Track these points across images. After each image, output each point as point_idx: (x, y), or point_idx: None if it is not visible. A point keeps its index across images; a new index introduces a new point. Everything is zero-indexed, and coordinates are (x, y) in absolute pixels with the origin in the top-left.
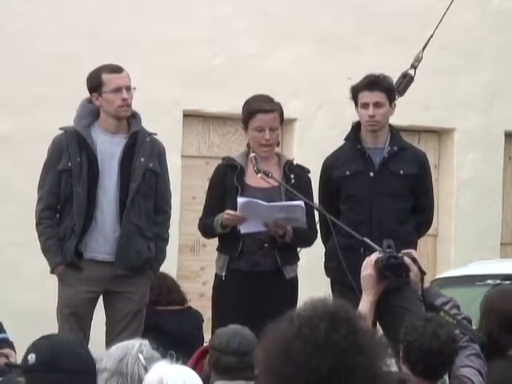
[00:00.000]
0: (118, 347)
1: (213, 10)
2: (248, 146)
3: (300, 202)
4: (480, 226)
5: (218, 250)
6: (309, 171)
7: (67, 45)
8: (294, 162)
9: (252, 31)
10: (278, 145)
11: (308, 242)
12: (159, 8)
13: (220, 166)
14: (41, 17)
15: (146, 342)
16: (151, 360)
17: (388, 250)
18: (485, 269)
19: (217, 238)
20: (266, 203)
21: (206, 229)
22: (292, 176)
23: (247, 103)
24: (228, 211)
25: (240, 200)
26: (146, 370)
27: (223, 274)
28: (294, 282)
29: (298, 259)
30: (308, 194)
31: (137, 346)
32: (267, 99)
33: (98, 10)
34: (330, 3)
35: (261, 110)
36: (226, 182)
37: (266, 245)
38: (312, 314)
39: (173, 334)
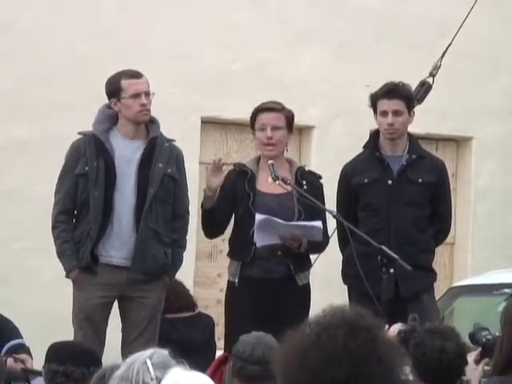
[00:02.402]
0: (134, 355)
1: (230, 15)
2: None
3: (318, 223)
4: (497, 235)
5: (229, 256)
6: (320, 177)
7: (85, 50)
8: (306, 169)
9: (270, 38)
10: (287, 149)
11: (321, 249)
12: (177, 14)
13: (231, 172)
14: (58, 23)
15: (162, 350)
16: (162, 367)
17: (412, 324)
18: (502, 278)
19: (226, 244)
20: (284, 222)
21: (201, 220)
22: (304, 182)
23: (254, 109)
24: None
25: (258, 217)
26: (151, 375)
27: (236, 280)
28: (306, 289)
29: (311, 266)
30: (320, 201)
31: (149, 352)
32: (273, 102)
33: (115, 15)
34: (348, 10)
35: (263, 108)
36: (236, 189)
37: (279, 252)
38: (331, 321)
39: (181, 342)
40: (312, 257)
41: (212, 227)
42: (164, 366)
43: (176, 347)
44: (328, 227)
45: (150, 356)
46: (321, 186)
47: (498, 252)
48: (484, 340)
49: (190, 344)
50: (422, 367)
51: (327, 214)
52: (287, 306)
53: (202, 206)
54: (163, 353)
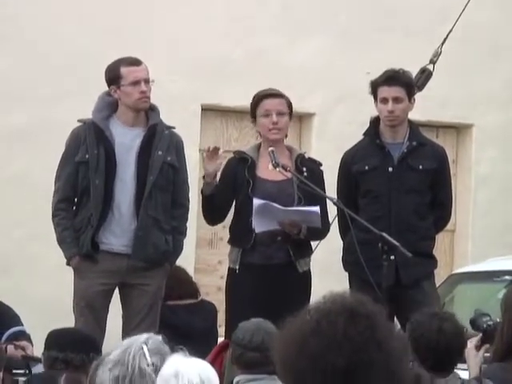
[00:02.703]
0: (128, 339)
1: (231, 3)
2: (258, 137)
3: (316, 209)
4: (497, 222)
5: (230, 243)
6: (321, 164)
7: (85, 38)
8: (306, 156)
9: (270, 25)
10: (286, 136)
11: (321, 236)
12: (178, 1)
13: (231, 159)
14: (59, 11)
15: (156, 336)
16: (157, 352)
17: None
18: (502, 265)
19: (228, 231)
20: (282, 207)
21: (202, 207)
22: (304, 169)
23: (253, 97)
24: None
25: (256, 202)
26: (148, 361)
27: (236, 267)
28: (307, 276)
29: (311, 252)
30: (320, 187)
31: (143, 338)
32: (272, 89)
33: (116, 4)
34: None
35: (266, 94)
36: (237, 176)
37: (279, 238)
38: (331, 308)
39: (182, 329)
40: (313, 244)
41: (212, 213)
42: (159, 352)
43: (178, 334)
44: (329, 214)
45: (145, 341)
46: (321, 172)
47: (498, 239)
48: (485, 326)
49: (191, 331)
50: (420, 349)
51: (328, 200)
52: (287, 293)
53: (201, 193)
54: (158, 338)
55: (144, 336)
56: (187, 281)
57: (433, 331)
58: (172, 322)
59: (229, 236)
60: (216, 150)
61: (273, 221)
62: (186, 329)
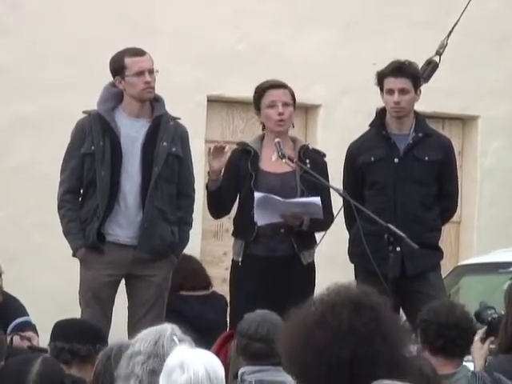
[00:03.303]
0: (151, 331)
1: None
2: (263, 129)
3: (317, 199)
4: (503, 214)
5: (233, 235)
6: (324, 155)
7: (92, 28)
8: (310, 147)
9: (276, 16)
10: (292, 126)
11: (324, 227)
12: None
13: (234, 151)
14: (64, 0)
15: (175, 326)
16: (183, 343)
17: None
18: (508, 256)
19: (232, 223)
20: (283, 199)
21: (207, 201)
22: (307, 160)
23: (256, 88)
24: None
25: (256, 195)
26: None
27: (239, 259)
28: (311, 267)
29: (315, 243)
30: (324, 178)
31: (169, 329)
32: (276, 80)
33: None
34: None
35: (271, 85)
36: (240, 168)
37: (282, 230)
38: (336, 299)
39: (194, 320)
40: (318, 235)
41: (218, 208)
42: (184, 342)
43: (188, 324)
44: (333, 205)
45: (173, 332)
46: (325, 163)
47: (503, 231)
48: (490, 319)
49: (202, 322)
50: (430, 332)
51: (333, 191)
52: (292, 285)
53: (206, 188)
54: (179, 329)
55: (168, 327)
56: (201, 272)
57: (442, 312)
58: (185, 312)
59: (233, 228)
60: (222, 147)
61: (275, 213)
62: (198, 320)
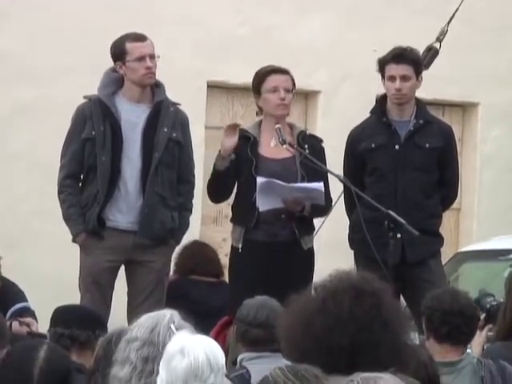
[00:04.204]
0: (149, 317)
1: None
2: (258, 113)
3: (320, 185)
4: (503, 201)
5: (232, 221)
6: (322, 140)
7: (92, 15)
8: (307, 132)
9: (277, 2)
10: (288, 114)
11: (324, 212)
12: None
13: None
14: None
15: (176, 312)
16: (182, 330)
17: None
18: (507, 243)
19: (230, 210)
20: (285, 184)
21: (209, 183)
22: (306, 146)
23: (257, 71)
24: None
25: (259, 180)
26: None
27: (239, 245)
28: (311, 253)
29: (314, 229)
30: (322, 164)
31: (168, 316)
32: (275, 65)
33: None
34: None
35: (274, 70)
36: (239, 154)
37: (283, 215)
38: (337, 286)
39: (199, 305)
40: (318, 221)
41: (220, 191)
42: (182, 330)
43: (193, 307)
44: (333, 191)
45: (171, 319)
46: (322, 149)
47: (503, 218)
48: (488, 306)
49: (206, 307)
50: (435, 316)
51: (331, 177)
52: (292, 270)
53: (214, 168)
54: (179, 315)
55: (167, 314)
56: (214, 260)
57: (446, 300)
58: (191, 295)
59: (231, 214)
60: (235, 125)
61: (277, 199)
62: (205, 305)
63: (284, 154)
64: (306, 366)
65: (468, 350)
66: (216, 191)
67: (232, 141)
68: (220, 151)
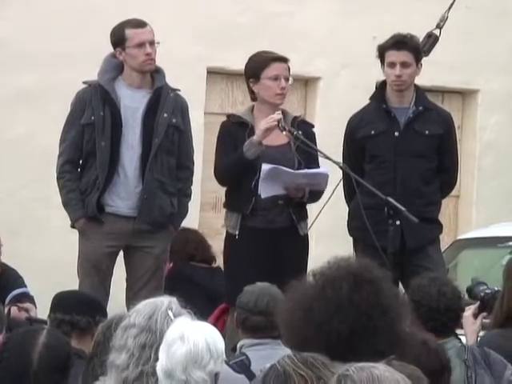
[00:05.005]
0: (147, 304)
1: None
2: (253, 99)
3: (325, 170)
4: (502, 188)
5: (226, 207)
6: (313, 126)
7: (92, 0)
8: (299, 118)
9: None
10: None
11: (317, 198)
12: None
13: (227, 123)
14: None
15: (174, 299)
16: (180, 317)
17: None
18: (506, 231)
19: (224, 196)
20: (291, 170)
21: (229, 167)
22: (300, 132)
23: (256, 56)
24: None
25: (264, 167)
26: None
27: (236, 232)
28: (306, 239)
29: (308, 215)
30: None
31: (166, 303)
32: (276, 52)
33: None
34: None
35: (277, 58)
36: (237, 142)
37: (280, 202)
38: (336, 273)
39: (204, 287)
40: (317, 208)
41: (238, 177)
42: (180, 316)
43: (198, 289)
44: (331, 178)
45: (169, 306)
46: (313, 134)
47: (502, 205)
48: (482, 294)
49: (212, 292)
50: (421, 312)
51: (332, 164)
52: (290, 256)
53: (242, 155)
54: (177, 302)
55: (165, 301)
56: (210, 248)
57: (433, 294)
58: (194, 278)
59: (225, 201)
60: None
61: (280, 185)
62: (207, 287)
63: (280, 141)
64: (313, 354)
65: (461, 337)
66: (234, 177)
67: (265, 135)
68: (252, 139)
